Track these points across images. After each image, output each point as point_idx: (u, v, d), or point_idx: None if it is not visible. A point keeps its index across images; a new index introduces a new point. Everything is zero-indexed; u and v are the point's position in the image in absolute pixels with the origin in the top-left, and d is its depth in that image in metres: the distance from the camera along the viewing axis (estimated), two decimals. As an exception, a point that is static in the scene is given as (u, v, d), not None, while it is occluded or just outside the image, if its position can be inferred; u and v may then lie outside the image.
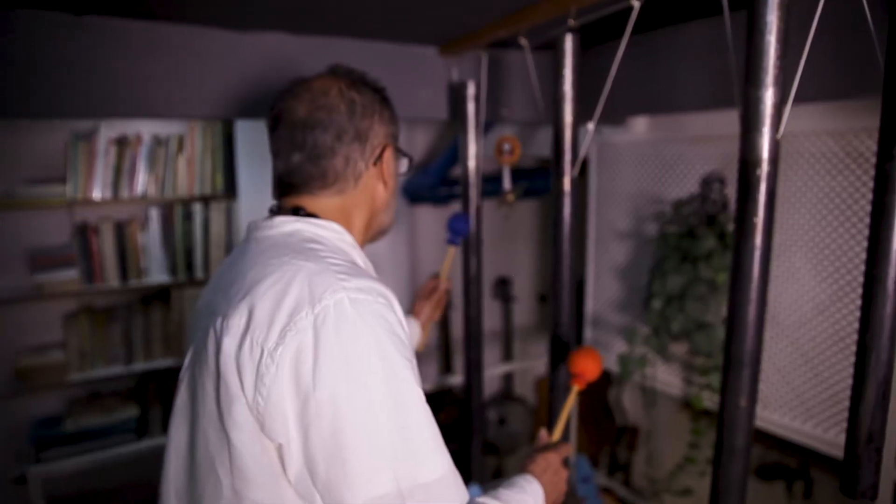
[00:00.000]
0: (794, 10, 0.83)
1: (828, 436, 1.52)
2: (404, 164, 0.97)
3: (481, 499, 0.77)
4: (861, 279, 1.32)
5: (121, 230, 2.16)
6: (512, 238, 3.06)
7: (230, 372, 0.69)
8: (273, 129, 0.88)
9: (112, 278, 2.15)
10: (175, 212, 2.22)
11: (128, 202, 2.16)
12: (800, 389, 1.57)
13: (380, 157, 0.89)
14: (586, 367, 1.09)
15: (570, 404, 1.09)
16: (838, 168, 1.46)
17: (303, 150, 0.85)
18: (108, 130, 2.09)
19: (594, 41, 1.68)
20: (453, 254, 1.46)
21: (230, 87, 1.59)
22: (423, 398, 0.70)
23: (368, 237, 0.95)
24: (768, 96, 0.83)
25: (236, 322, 0.71)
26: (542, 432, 1.09)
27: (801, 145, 1.53)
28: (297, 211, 0.85)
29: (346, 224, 0.87)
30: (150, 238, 2.21)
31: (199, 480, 0.74)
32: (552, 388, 1.30)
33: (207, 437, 0.73)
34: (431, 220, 2.86)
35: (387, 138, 0.91)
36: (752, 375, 0.90)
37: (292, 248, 0.77)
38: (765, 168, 0.84)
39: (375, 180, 0.90)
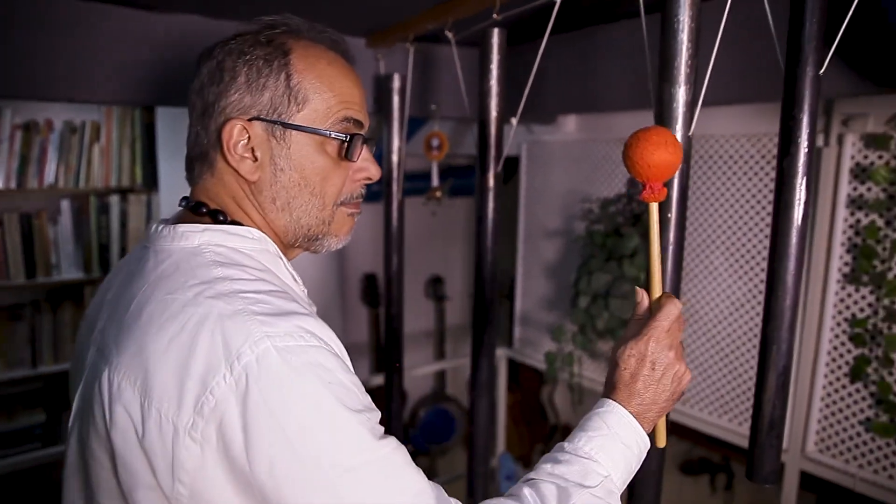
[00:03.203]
0: (707, 16, 0.84)
1: (742, 429, 1.58)
2: (358, 149, 0.72)
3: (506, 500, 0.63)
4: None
5: (28, 222, 2.02)
6: (445, 237, 3.05)
7: (132, 454, 0.57)
8: None
9: (17, 274, 2.00)
10: (89, 204, 2.09)
11: (36, 192, 2.02)
12: (717, 385, 1.63)
13: (219, 134, 0.68)
14: (651, 159, 0.71)
15: (656, 233, 0.73)
16: (754, 170, 1.52)
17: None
18: (14, 115, 1.95)
19: (524, 37, 1.68)
20: None
21: (147, 71, 1.50)
22: (381, 448, 0.59)
23: (293, 243, 0.76)
24: (681, 94, 0.85)
25: (129, 385, 0.58)
26: (641, 295, 0.76)
27: (721, 147, 1.58)
28: (199, 208, 0.70)
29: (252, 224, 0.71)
30: (62, 231, 2.08)
31: None
32: (473, 387, 1.27)
33: None
34: (361, 217, 2.80)
35: (242, 111, 0.67)
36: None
37: (199, 277, 0.62)
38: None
39: (224, 166, 0.69)
